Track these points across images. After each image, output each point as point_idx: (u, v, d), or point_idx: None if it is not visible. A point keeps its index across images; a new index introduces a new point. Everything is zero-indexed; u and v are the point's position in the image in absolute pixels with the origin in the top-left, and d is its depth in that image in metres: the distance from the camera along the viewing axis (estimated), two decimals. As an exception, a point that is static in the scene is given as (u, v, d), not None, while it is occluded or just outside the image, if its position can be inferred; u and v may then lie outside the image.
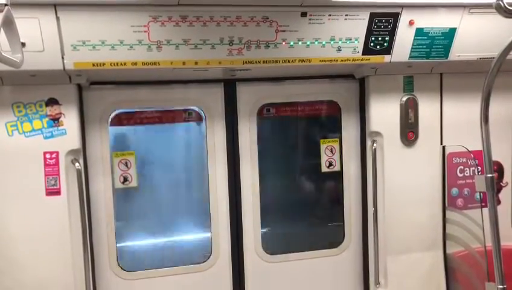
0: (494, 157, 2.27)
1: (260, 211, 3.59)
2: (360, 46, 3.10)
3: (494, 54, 2.11)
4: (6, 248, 2.96)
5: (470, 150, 3.44)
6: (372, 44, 3.10)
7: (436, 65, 3.38)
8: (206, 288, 3.53)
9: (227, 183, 3.51)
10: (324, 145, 3.72)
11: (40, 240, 2.99)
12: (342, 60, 3.12)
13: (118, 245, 3.37)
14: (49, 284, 3.02)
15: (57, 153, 2.99)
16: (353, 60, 3.14)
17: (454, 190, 3.64)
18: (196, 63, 2.92)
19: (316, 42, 3.03)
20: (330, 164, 3.73)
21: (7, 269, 2.97)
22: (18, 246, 2.97)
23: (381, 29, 3.06)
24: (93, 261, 3.24)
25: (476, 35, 3.18)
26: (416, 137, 3.52)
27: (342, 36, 3.04)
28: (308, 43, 3.01)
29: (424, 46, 3.17)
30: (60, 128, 3.00)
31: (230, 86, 3.48)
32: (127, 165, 3.37)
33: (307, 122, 3.85)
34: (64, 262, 3.03)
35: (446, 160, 3.60)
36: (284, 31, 2.94)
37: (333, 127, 3.74)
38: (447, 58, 3.25)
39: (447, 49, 3.22)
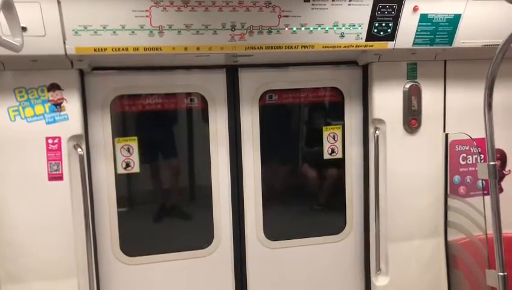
0: (497, 145, 2.27)
1: (262, 197, 3.60)
2: (363, 32, 3.07)
3: (499, 40, 2.10)
4: (9, 233, 2.98)
5: (473, 137, 3.43)
6: (375, 30, 3.07)
7: (440, 52, 3.35)
8: (207, 273, 3.56)
9: (229, 170, 3.51)
10: (326, 132, 3.71)
11: (43, 225, 3.00)
12: (345, 46, 3.09)
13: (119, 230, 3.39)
14: (52, 268, 3.05)
15: (59, 138, 2.99)
16: (356, 46, 3.11)
17: (457, 178, 3.63)
18: (198, 48, 2.90)
19: (319, 28, 3.00)
20: (332, 151, 3.73)
21: (10, 254, 2.99)
22: (21, 231, 2.99)
23: (385, 15, 3.02)
24: (95, 246, 3.26)
25: (480, 21, 3.15)
26: (419, 124, 3.51)
27: (345, 22, 3.01)
28: (311, 28, 2.99)
29: (428, 33, 3.14)
30: (62, 113, 3.00)
31: (232, 72, 3.46)
32: (129, 151, 3.37)
33: (309, 108, 3.83)
34: (67, 247, 3.05)
35: (449, 147, 3.59)
36: (286, 16, 2.92)
37: (336, 114, 3.72)
38: (451, 45, 3.22)
39: (451, 35, 3.18)
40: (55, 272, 3.05)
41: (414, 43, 3.17)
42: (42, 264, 3.03)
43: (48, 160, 2.99)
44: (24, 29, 2.43)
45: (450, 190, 3.63)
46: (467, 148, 3.60)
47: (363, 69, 3.59)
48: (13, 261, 3.00)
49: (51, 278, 3.05)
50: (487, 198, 2.45)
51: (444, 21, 3.12)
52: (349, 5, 2.96)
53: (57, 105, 2.98)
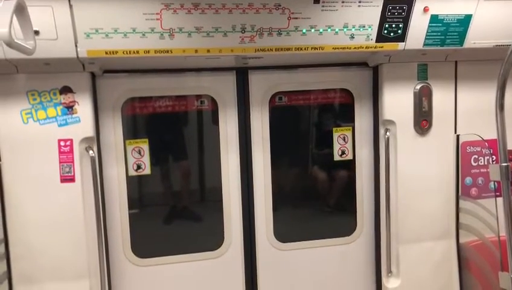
0: (509, 146, 2.25)
1: (272, 199, 3.60)
2: (373, 33, 3.06)
3: (510, 41, 2.08)
4: (23, 233, 3.01)
5: (484, 138, 3.40)
6: (385, 31, 3.06)
7: (451, 53, 3.33)
8: (218, 275, 3.56)
9: (240, 171, 3.52)
10: (337, 134, 3.70)
11: (55, 226, 3.03)
12: (355, 48, 3.09)
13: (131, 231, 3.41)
14: (64, 270, 3.07)
15: (71, 140, 3.02)
16: (366, 47, 3.10)
17: (468, 179, 3.60)
18: (208, 50, 2.91)
19: (329, 29, 3.00)
20: (343, 153, 3.72)
21: (24, 254, 3.02)
22: (34, 232, 3.02)
23: (395, 16, 3.02)
24: (107, 247, 3.28)
25: (491, 22, 3.12)
26: (430, 126, 3.49)
27: (355, 23, 3.01)
28: (321, 30, 2.99)
29: (439, 34, 3.12)
30: (73, 116, 3.02)
31: (242, 74, 3.47)
32: (140, 153, 3.39)
33: (319, 110, 3.83)
34: (79, 248, 3.08)
35: (460, 149, 3.56)
36: (296, 18, 2.92)
37: (346, 116, 3.71)
38: (462, 45, 3.20)
39: (462, 36, 3.16)
40: (67, 273, 3.08)
41: (425, 44, 3.15)
42: (54, 265, 3.06)
43: (60, 162, 3.02)
44: (36, 32, 2.46)
45: (461, 191, 3.60)
46: (479, 149, 3.58)
47: (373, 71, 3.58)
48: (25, 262, 3.02)
49: (62, 279, 3.07)
50: (499, 200, 2.42)
51: (455, 21, 3.10)
52: (359, 6, 2.95)
53: (69, 108, 3.01)
